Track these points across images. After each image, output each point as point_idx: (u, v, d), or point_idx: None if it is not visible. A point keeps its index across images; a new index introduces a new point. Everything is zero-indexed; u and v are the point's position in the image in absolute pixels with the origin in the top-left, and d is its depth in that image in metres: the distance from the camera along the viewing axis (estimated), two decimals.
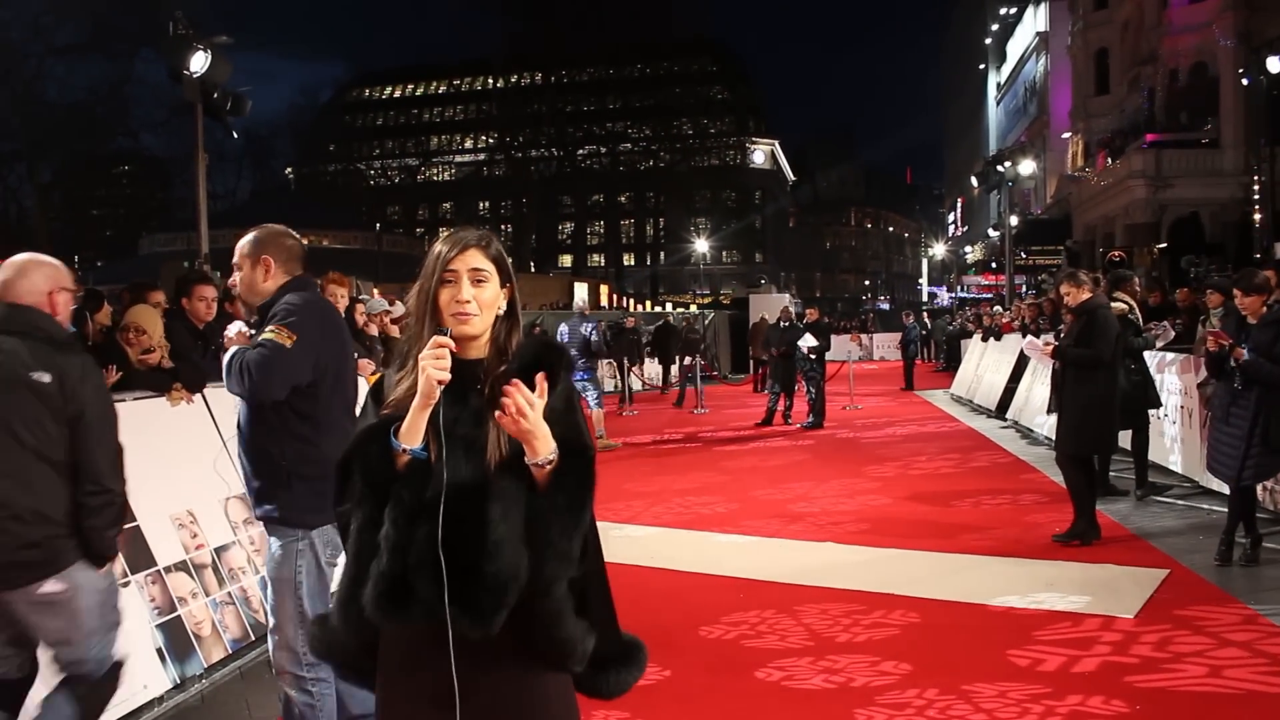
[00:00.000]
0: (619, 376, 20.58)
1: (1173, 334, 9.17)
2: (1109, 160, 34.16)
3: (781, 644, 4.97)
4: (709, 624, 5.34)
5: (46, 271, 3.31)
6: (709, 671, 4.67)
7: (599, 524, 2.08)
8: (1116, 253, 22.43)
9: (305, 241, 3.63)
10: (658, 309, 42.77)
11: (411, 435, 1.95)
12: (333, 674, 3.28)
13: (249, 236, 3.50)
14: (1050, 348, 7.34)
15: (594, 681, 2.12)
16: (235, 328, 3.53)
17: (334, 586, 3.43)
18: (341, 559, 2.28)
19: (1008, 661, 4.56)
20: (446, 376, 1.91)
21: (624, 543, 7.21)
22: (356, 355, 6.91)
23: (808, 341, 14.57)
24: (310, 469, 3.28)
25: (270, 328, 3.26)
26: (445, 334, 1.96)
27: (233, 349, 3.35)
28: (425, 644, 1.93)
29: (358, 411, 2.24)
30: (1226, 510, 6.32)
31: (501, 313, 2.07)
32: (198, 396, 5.44)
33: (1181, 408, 8.79)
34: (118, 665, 3.41)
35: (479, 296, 2.02)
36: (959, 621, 5.24)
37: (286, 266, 3.46)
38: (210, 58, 12.37)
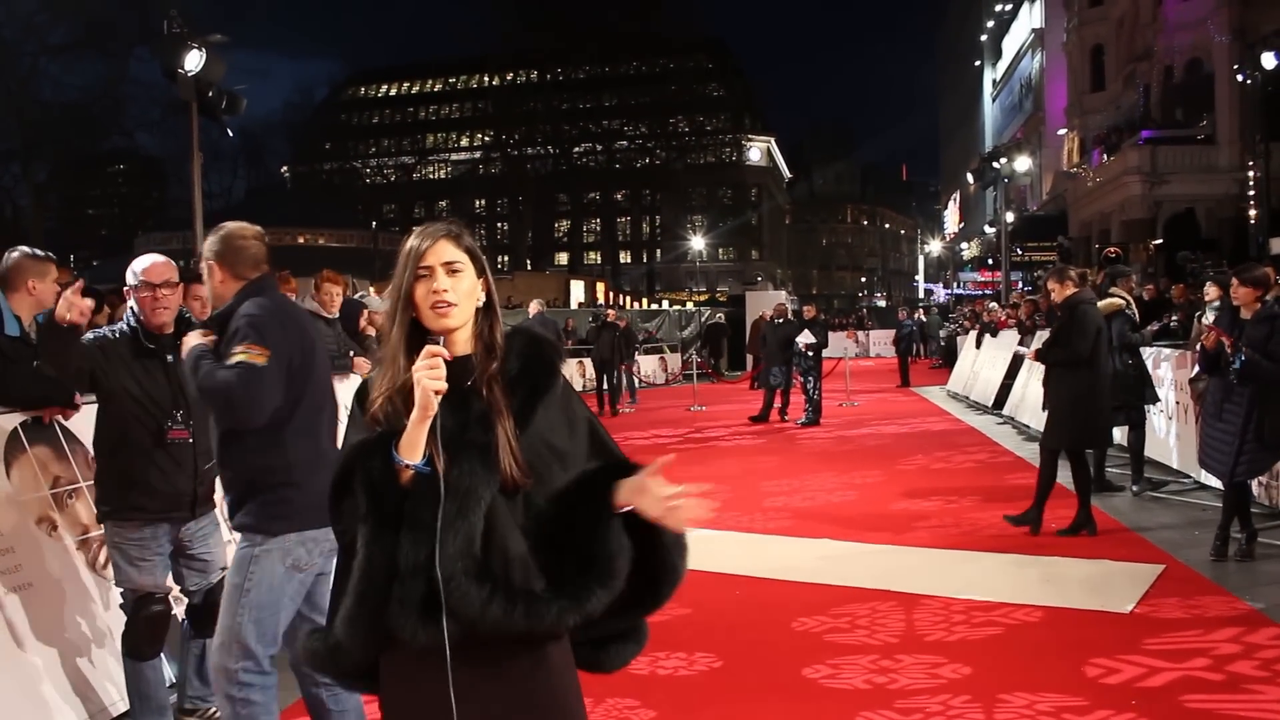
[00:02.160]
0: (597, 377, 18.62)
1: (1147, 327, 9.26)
2: (1105, 156, 34.18)
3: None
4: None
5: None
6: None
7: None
8: (1112, 249, 22.41)
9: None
10: (653, 306, 42.79)
11: (412, 449, 1.90)
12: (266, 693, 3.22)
13: (207, 240, 3.37)
14: (1034, 352, 7.43)
15: (598, 656, 2.11)
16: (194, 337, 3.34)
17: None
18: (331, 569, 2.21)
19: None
20: (443, 387, 1.88)
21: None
22: (352, 354, 6.94)
23: (805, 338, 14.58)
24: (270, 476, 3.18)
25: (240, 347, 3.08)
26: (438, 343, 1.92)
27: (202, 366, 3.15)
28: (436, 661, 1.90)
29: (341, 414, 2.19)
30: (1221, 506, 6.33)
31: (480, 304, 2.04)
32: None
33: (1178, 403, 8.81)
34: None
35: (456, 287, 1.98)
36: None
37: (236, 271, 3.29)
38: (205, 56, 12.36)
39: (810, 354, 14.59)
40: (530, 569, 1.93)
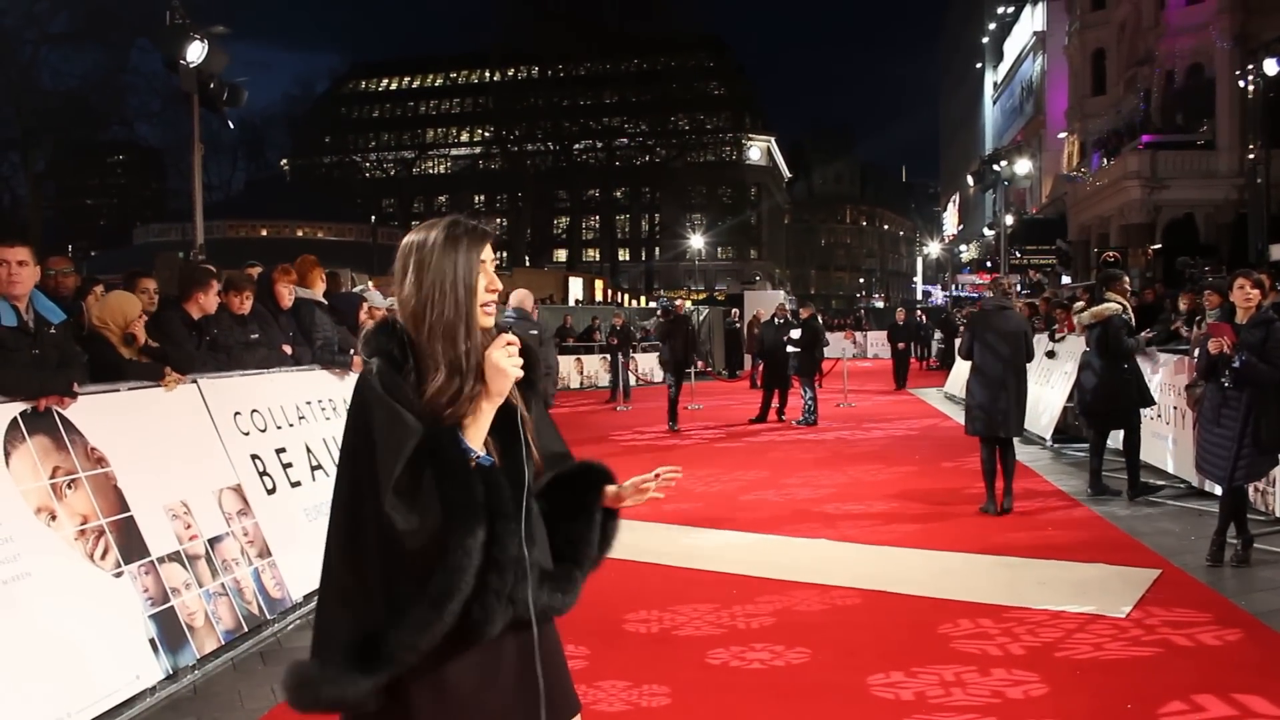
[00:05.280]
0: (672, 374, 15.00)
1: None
2: (1105, 160, 34.22)
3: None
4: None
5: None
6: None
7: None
8: (1111, 254, 22.49)
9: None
10: (652, 304, 42.80)
11: (478, 439, 1.90)
12: None
13: None
14: None
15: None
16: None
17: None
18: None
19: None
20: (521, 374, 1.93)
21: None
22: (354, 351, 6.92)
23: (790, 333, 14.92)
24: None
25: None
26: (508, 329, 1.96)
27: None
28: (495, 650, 1.94)
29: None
30: (1218, 511, 6.34)
31: None
32: (193, 387, 5.43)
33: (1175, 408, 8.82)
34: None
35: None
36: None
37: None
38: (207, 48, 12.34)
39: (791, 350, 14.75)
40: (546, 552, 2.05)
